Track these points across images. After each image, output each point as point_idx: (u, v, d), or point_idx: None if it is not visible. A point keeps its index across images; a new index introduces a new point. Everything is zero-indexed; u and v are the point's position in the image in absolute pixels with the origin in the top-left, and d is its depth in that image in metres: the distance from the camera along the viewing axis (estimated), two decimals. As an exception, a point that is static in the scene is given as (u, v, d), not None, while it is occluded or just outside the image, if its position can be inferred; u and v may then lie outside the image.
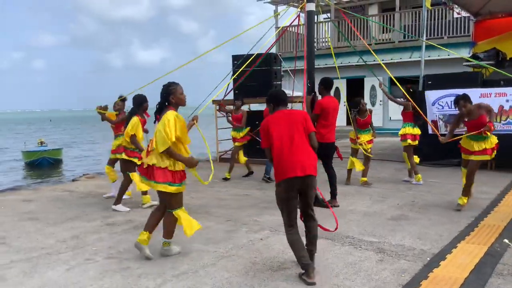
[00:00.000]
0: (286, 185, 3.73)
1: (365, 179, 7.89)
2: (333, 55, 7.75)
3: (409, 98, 7.22)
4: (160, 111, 4.23)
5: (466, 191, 5.97)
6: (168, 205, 4.29)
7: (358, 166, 7.86)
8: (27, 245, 4.84)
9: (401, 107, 8.00)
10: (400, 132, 7.96)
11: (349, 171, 8.08)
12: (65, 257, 4.43)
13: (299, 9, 6.68)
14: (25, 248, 4.74)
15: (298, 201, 3.84)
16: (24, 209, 6.60)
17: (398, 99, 8.17)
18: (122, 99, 7.00)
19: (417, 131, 7.86)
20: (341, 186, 7.24)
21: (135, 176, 6.26)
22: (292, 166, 3.71)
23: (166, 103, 4.22)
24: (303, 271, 3.71)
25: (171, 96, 4.20)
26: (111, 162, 7.05)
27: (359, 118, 7.94)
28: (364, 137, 7.94)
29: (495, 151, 5.89)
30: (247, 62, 8.67)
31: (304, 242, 3.89)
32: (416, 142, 7.90)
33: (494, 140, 5.84)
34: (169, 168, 4.14)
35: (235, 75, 9.90)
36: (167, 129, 4.01)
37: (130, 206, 6.53)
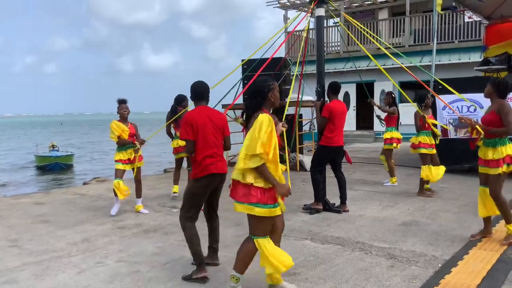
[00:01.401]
0: (209, 181, 3.87)
1: (427, 186, 7.36)
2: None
3: (437, 95, 7.09)
4: (252, 113, 3.37)
5: (507, 216, 4.63)
6: (250, 229, 3.42)
7: (436, 172, 6.96)
8: (38, 248, 4.89)
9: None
10: (388, 136, 8.11)
11: (422, 181, 7.16)
12: (76, 260, 4.47)
13: (308, 14, 6.68)
14: (36, 251, 4.78)
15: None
16: (36, 212, 6.66)
17: (386, 107, 8.28)
18: (123, 101, 6.35)
19: (400, 135, 8.15)
20: (350, 191, 7.21)
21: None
22: (216, 163, 3.87)
23: (261, 103, 3.38)
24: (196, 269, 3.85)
25: (270, 94, 3.37)
26: (122, 174, 6.35)
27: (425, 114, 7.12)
28: (425, 139, 7.10)
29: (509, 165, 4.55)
30: (252, 66, 8.67)
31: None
32: (399, 146, 8.14)
33: (509, 150, 4.54)
34: (255, 185, 3.24)
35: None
36: (262, 137, 3.14)
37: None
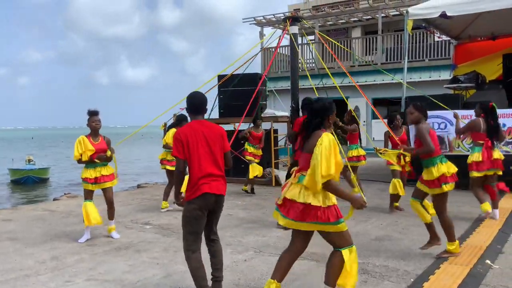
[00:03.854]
0: (202, 202, 3.53)
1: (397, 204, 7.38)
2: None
3: (377, 112, 7.35)
4: (313, 131, 3.41)
5: (449, 234, 4.78)
6: (334, 244, 3.49)
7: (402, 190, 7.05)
8: (5, 266, 4.71)
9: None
10: (355, 154, 8.16)
11: (393, 196, 7.22)
12: (44, 279, 4.32)
13: (286, 32, 6.79)
14: (2, 270, 4.61)
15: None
16: (3, 229, 6.44)
17: (347, 126, 8.35)
18: (95, 113, 5.70)
19: (363, 151, 8.31)
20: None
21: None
22: (211, 182, 3.56)
23: (323, 123, 3.44)
24: None
25: (330, 116, 3.48)
26: (91, 194, 5.76)
27: (394, 135, 7.26)
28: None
29: (445, 185, 4.61)
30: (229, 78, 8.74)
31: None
32: (365, 162, 8.31)
33: (442, 169, 4.64)
34: (313, 204, 3.31)
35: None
36: (329, 157, 3.22)
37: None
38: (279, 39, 7.00)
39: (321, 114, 3.43)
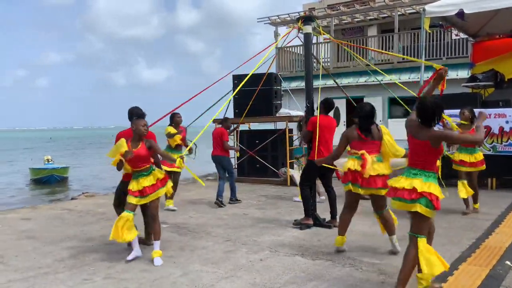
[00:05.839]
0: (123, 184, 5.28)
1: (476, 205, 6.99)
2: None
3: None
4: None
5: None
6: (381, 206, 4.42)
7: (466, 191, 6.70)
8: (24, 264, 4.79)
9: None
10: None
11: (466, 200, 6.83)
12: (62, 277, 4.38)
13: (299, 30, 6.73)
14: (22, 268, 4.69)
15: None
16: (22, 228, 6.55)
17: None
18: (142, 116, 5.12)
19: None
20: (341, 206, 7.20)
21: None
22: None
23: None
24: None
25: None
26: (132, 207, 4.89)
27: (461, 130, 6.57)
28: (463, 157, 6.85)
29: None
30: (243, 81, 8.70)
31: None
32: None
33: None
34: None
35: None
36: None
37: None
38: (292, 37, 6.98)
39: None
